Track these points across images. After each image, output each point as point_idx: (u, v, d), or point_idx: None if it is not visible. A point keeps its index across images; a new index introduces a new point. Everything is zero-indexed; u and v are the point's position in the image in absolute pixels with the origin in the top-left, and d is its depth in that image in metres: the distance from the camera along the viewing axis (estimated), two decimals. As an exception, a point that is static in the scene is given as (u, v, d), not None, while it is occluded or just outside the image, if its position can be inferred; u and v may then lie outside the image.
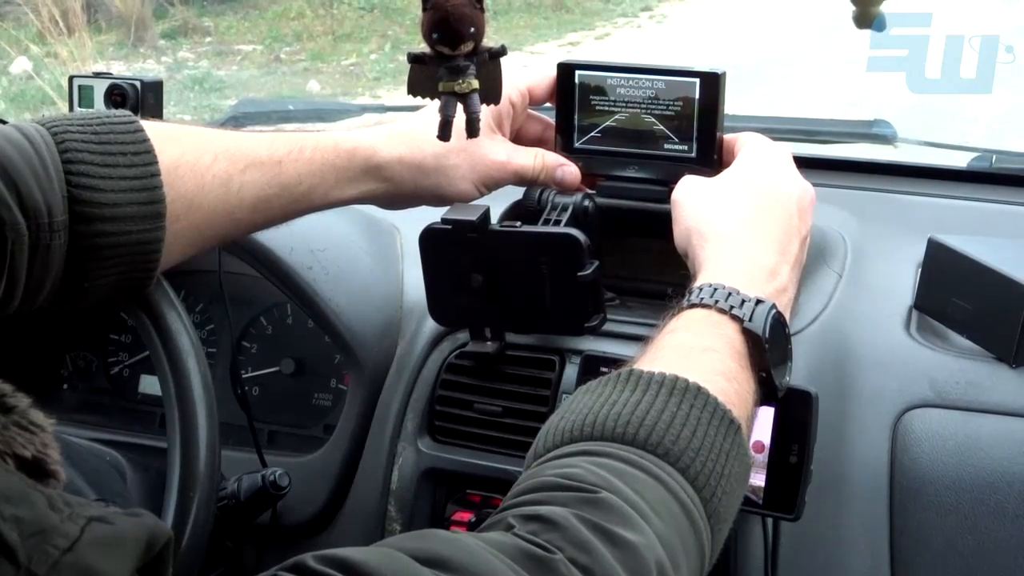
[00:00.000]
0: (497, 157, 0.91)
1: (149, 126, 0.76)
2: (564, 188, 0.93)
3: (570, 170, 0.93)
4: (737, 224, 0.80)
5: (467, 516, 0.96)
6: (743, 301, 0.72)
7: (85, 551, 0.37)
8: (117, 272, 0.74)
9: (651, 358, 0.69)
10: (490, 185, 0.91)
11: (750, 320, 0.71)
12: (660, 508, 0.59)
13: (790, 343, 0.76)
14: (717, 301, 0.72)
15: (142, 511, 0.41)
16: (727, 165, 0.87)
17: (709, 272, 0.76)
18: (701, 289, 0.74)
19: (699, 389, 0.65)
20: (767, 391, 0.73)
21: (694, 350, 0.70)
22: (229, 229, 0.82)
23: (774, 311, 0.73)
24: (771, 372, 0.72)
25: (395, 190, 0.88)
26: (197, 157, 0.78)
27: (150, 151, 0.74)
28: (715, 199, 0.83)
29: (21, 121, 0.73)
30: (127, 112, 0.77)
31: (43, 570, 0.36)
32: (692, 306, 0.73)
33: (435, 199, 0.90)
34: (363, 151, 0.86)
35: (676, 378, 0.65)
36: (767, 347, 0.71)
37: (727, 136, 0.91)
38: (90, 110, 0.77)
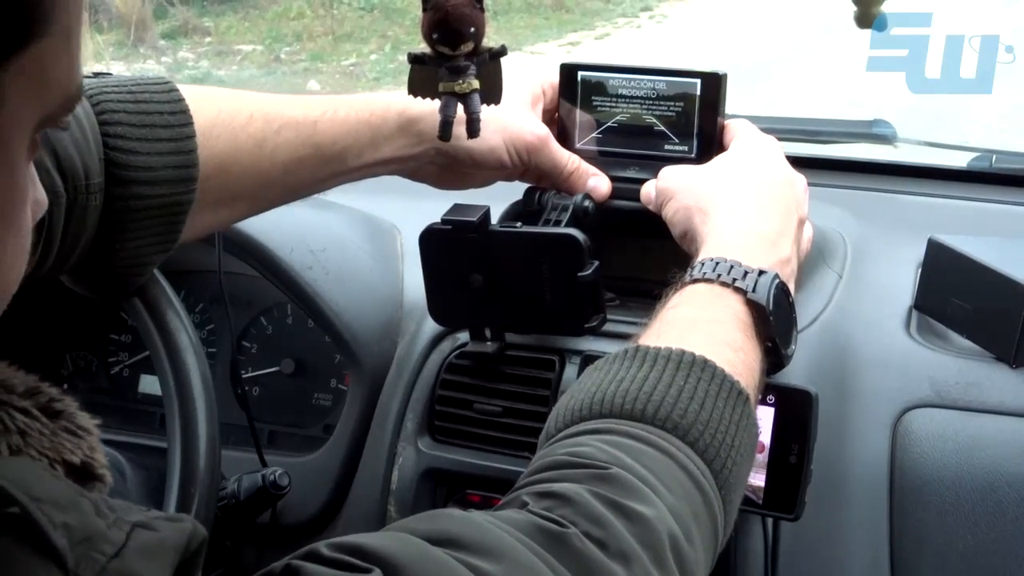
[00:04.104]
0: (535, 127, 0.91)
1: (184, 88, 0.76)
2: (594, 199, 0.93)
3: (603, 181, 0.93)
4: (738, 198, 0.81)
5: (467, 516, 0.96)
6: (746, 272, 0.73)
7: (130, 558, 0.38)
8: (145, 235, 0.74)
9: (656, 333, 0.70)
10: (520, 150, 0.90)
11: (753, 291, 0.72)
12: (670, 482, 0.59)
13: (794, 312, 0.76)
14: (720, 275, 0.73)
15: (182, 516, 0.42)
16: (720, 151, 0.88)
17: (711, 246, 0.77)
18: (703, 264, 0.74)
19: (706, 362, 0.65)
20: (774, 360, 0.74)
21: (699, 323, 0.70)
22: (259, 190, 0.82)
23: (777, 280, 0.73)
24: (776, 341, 0.73)
25: (427, 147, 0.87)
26: (232, 117, 0.78)
27: (185, 111, 0.74)
28: (714, 178, 0.84)
29: None
30: (162, 75, 0.77)
31: None
32: (695, 280, 0.73)
33: (464, 154, 0.88)
34: (396, 107, 0.86)
35: (683, 352, 0.65)
36: (771, 317, 0.71)
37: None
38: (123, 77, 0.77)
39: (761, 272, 0.73)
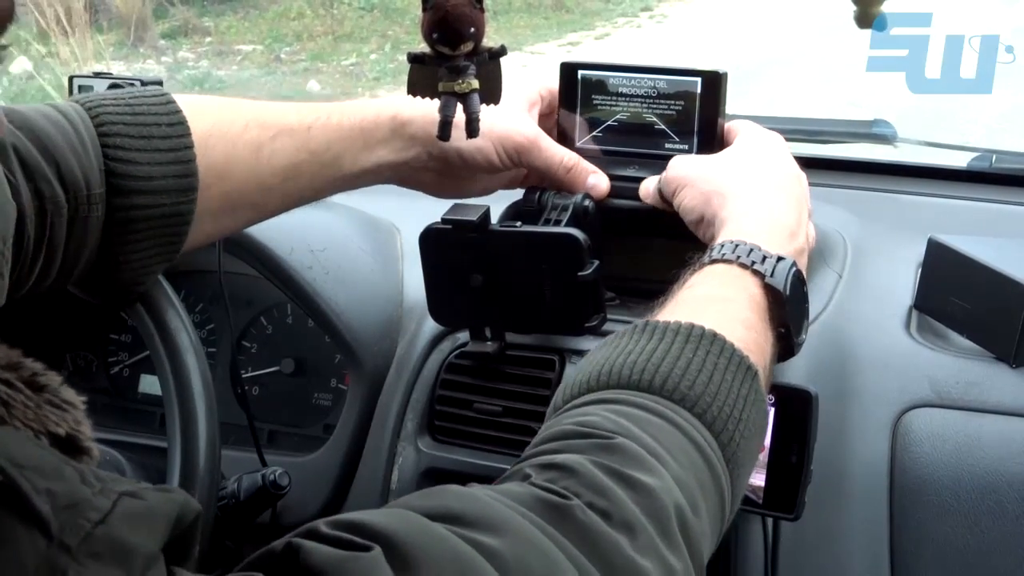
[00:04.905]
0: (524, 128, 0.90)
1: (180, 98, 0.77)
2: (593, 196, 0.92)
3: (602, 179, 0.93)
4: (756, 184, 0.81)
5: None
6: (764, 257, 0.73)
7: (116, 524, 0.37)
8: (148, 245, 0.74)
9: (669, 310, 0.70)
10: (508, 150, 0.90)
11: (771, 275, 0.72)
12: (677, 452, 0.59)
13: (807, 301, 0.77)
14: (739, 256, 0.73)
15: (173, 488, 0.42)
16: (722, 149, 0.89)
17: (731, 230, 0.77)
18: (723, 245, 0.74)
19: (715, 336, 0.65)
20: (784, 347, 0.74)
21: (712, 300, 0.71)
22: (258, 197, 0.82)
23: (795, 268, 0.73)
24: (789, 327, 0.73)
25: (419, 150, 0.88)
26: (228, 126, 0.79)
27: (183, 122, 0.75)
28: (730, 166, 0.84)
29: (55, 101, 0.74)
30: (158, 87, 0.78)
31: (75, 542, 0.36)
32: (714, 261, 0.74)
33: (454, 154, 0.88)
34: (388, 111, 0.87)
35: (692, 326, 0.65)
36: (787, 303, 0.72)
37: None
38: (120, 90, 0.78)
39: (780, 258, 0.73)
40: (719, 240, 0.76)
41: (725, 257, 0.73)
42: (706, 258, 0.74)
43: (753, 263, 0.72)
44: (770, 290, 0.72)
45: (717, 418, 0.62)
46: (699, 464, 0.60)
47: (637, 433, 0.58)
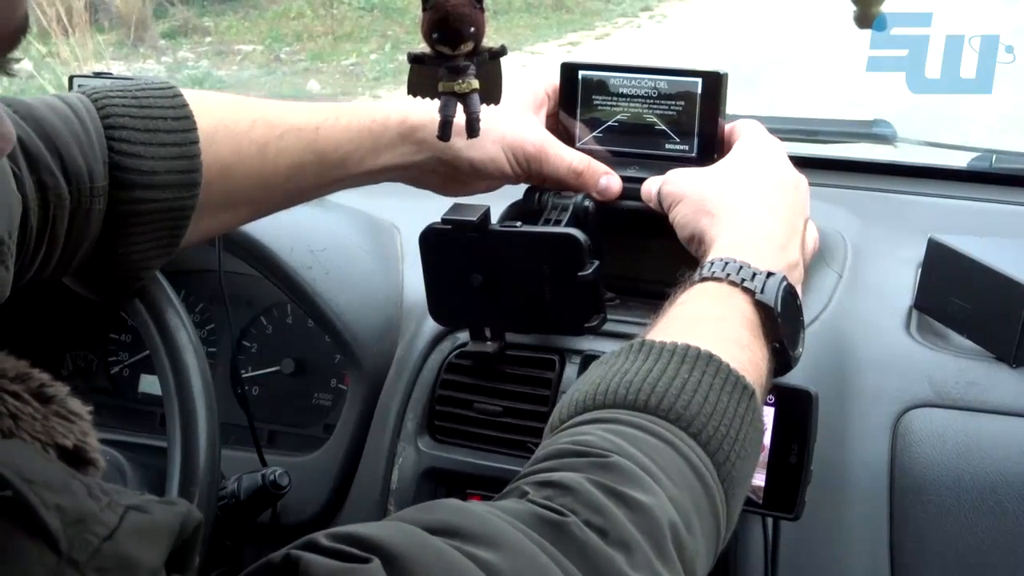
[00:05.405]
0: (534, 136, 0.90)
1: (187, 93, 0.76)
2: (603, 198, 0.92)
3: (615, 180, 0.92)
4: (746, 200, 0.81)
5: (467, 516, 0.96)
6: (754, 274, 0.73)
7: (123, 539, 0.38)
8: (148, 239, 0.74)
9: (663, 329, 0.70)
10: (519, 157, 0.89)
11: (761, 292, 0.72)
12: (672, 471, 0.59)
13: (802, 314, 0.77)
14: (728, 274, 0.73)
15: (176, 499, 0.42)
16: (725, 152, 0.88)
17: (720, 247, 0.77)
18: (712, 263, 0.74)
19: (711, 356, 0.65)
20: (781, 362, 0.74)
21: (706, 319, 0.71)
22: (260, 195, 0.82)
23: (785, 283, 0.73)
24: (784, 342, 0.73)
25: (427, 154, 0.87)
26: (235, 122, 0.79)
27: (189, 117, 0.75)
28: (722, 181, 0.84)
29: (63, 92, 0.74)
30: (165, 80, 0.78)
31: (83, 558, 0.36)
32: (703, 279, 0.74)
33: (466, 163, 0.88)
34: (397, 115, 0.86)
35: (688, 346, 0.66)
36: (779, 318, 0.72)
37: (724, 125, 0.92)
38: (128, 82, 0.78)
39: (769, 274, 0.73)
40: (710, 257, 0.76)
41: (715, 275, 0.73)
42: (696, 276, 0.75)
43: (743, 280, 0.72)
44: (761, 307, 0.72)
45: (713, 438, 0.62)
46: (694, 483, 0.60)
47: (632, 452, 0.59)
